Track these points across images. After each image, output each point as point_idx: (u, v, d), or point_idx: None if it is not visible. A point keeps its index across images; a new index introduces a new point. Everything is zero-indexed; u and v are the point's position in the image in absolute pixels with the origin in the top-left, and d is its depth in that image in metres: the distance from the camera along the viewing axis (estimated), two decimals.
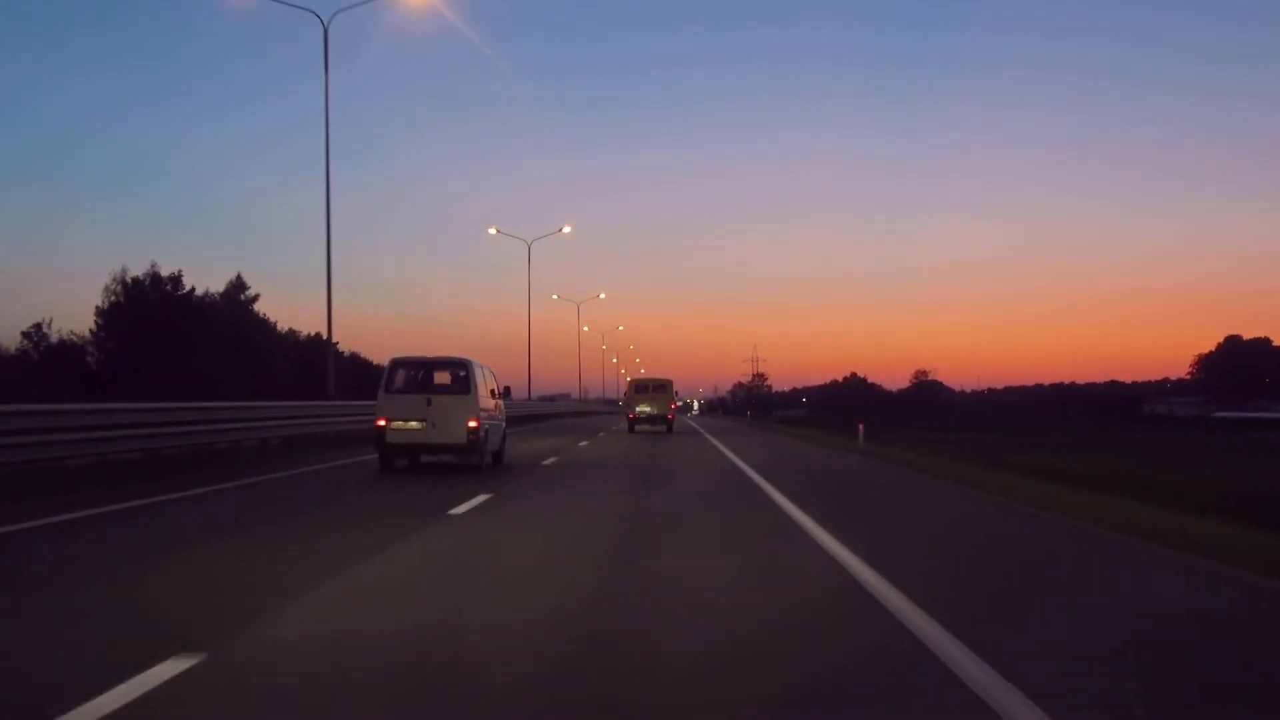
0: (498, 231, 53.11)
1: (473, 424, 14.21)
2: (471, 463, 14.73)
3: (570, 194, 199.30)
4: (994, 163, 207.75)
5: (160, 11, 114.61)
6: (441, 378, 15.08)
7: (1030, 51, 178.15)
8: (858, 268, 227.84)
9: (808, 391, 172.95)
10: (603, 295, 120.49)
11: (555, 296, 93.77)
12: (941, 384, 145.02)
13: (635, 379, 38.10)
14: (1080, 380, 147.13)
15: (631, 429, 34.40)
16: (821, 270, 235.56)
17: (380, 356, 60.35)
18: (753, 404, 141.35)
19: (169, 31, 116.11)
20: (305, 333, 58.28)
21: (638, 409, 35.16)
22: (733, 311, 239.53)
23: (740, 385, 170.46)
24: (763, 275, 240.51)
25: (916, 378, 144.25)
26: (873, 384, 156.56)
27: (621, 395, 75.21)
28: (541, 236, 53.57)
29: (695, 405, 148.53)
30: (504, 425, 17.11)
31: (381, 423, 14.21)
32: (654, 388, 36.02)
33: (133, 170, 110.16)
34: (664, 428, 34.45)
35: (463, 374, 14.76)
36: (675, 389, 36.83)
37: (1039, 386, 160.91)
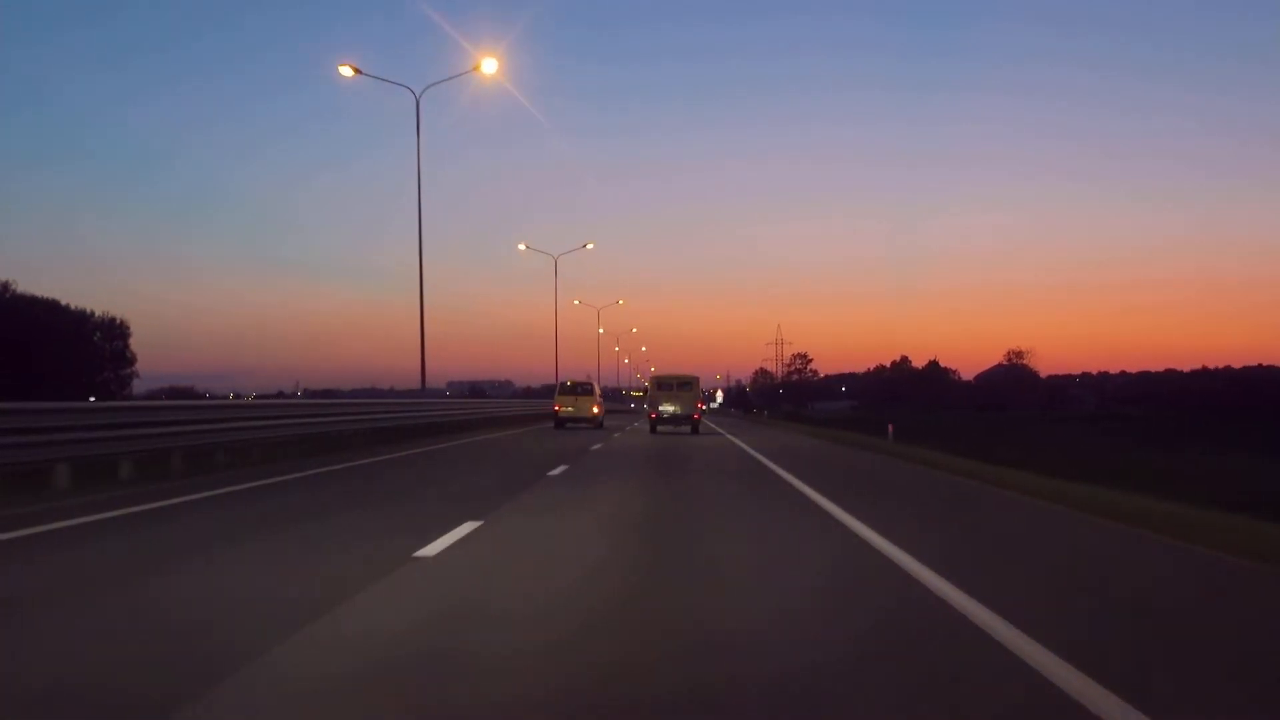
0: (527, 248, 57.35)
1: (595, 409, 35.43)
2: (594, 426, 34.47)
3: (585, 183, 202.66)
4: (1026, 152, 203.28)
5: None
6: (581, 388, 36.07)
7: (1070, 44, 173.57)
8: (884, 255, 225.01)
9: (847, 380, 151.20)
10: (621, 302, 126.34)
11: (577, 302, 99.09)
12: (1027, 368, 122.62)
13: (658, 375, 35.11)
14: (1212, 364, 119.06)
15: (653, 429, 32.03)
16: (847, 256, 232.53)
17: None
18: (788, 394, 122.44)
19: None
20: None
21: (660, 408, 32.89)
22: (751, 299, 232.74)
23: (763, 371, 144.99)
24: (782, 263, 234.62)
25: (1009, 358, 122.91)
26: (947, 369, 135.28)
27: (639, 390, 73.03)
28: (568, 251, 59.05)
29: (719, 397, 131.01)
30: (604, 410, 39.32)
31: (557, 408, 35.04)
32: (678, 385, 33.38)
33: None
34: (688, 428, 32.61)
35: (590, 386, 36.83)
36: (701, 385, 35.25)
37: (1170, 372, 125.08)
